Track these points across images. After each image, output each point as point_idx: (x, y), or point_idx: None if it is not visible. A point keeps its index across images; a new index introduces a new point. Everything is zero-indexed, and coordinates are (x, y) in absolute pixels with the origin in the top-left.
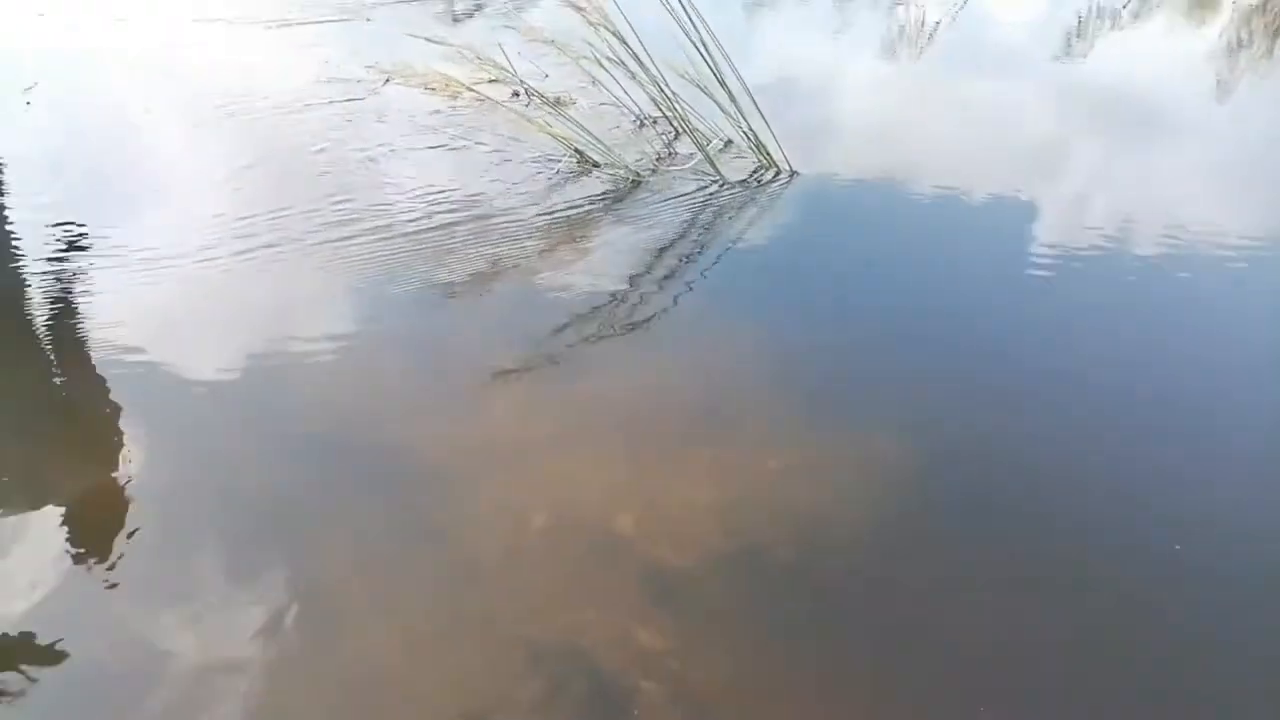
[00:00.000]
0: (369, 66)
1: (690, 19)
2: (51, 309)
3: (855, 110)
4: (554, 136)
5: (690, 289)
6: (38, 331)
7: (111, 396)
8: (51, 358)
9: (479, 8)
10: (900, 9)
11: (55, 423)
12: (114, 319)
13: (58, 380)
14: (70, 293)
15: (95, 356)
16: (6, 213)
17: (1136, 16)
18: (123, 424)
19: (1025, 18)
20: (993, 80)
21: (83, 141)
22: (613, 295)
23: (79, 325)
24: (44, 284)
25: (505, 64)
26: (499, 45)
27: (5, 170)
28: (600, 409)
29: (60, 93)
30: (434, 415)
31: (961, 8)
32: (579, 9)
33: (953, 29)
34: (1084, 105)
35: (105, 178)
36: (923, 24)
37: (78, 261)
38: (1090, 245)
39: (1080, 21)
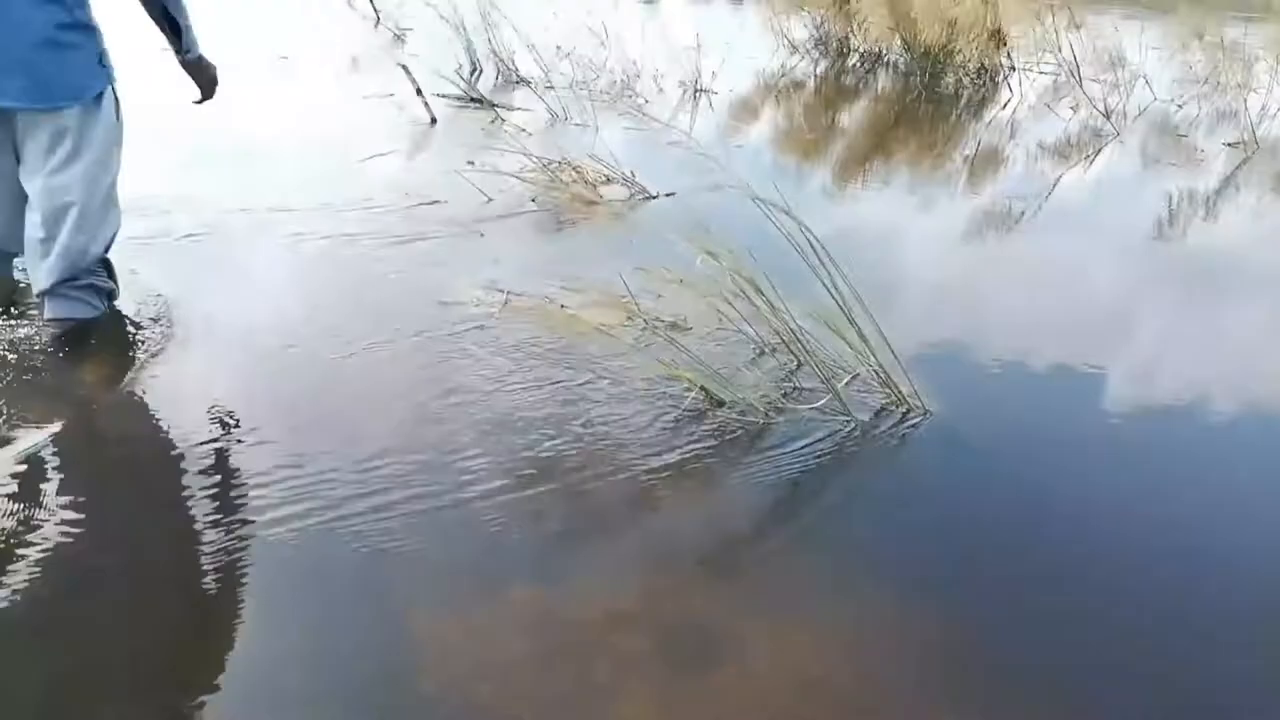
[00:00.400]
0: (485, 289)
1: (813, 247)
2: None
3: (981, 332)
4: (678, 376)
5: (827, 553)
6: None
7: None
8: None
9: (583, 221)
10: (980, 200)
11: None
12: (216, 578)
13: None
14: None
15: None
16: None
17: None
18: None
19: (1116, 206)
20: (1118, 284)
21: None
22: (744, 559)
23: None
24: None
25: (623, 288)
26: (619, 274)
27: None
28: (745, 706)
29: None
30: (557, 714)
31: (1045, 199)
32: (712, 256)
33: (1041, 221)
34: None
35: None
36: (1009, 213)
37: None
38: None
39: (1172, 210)
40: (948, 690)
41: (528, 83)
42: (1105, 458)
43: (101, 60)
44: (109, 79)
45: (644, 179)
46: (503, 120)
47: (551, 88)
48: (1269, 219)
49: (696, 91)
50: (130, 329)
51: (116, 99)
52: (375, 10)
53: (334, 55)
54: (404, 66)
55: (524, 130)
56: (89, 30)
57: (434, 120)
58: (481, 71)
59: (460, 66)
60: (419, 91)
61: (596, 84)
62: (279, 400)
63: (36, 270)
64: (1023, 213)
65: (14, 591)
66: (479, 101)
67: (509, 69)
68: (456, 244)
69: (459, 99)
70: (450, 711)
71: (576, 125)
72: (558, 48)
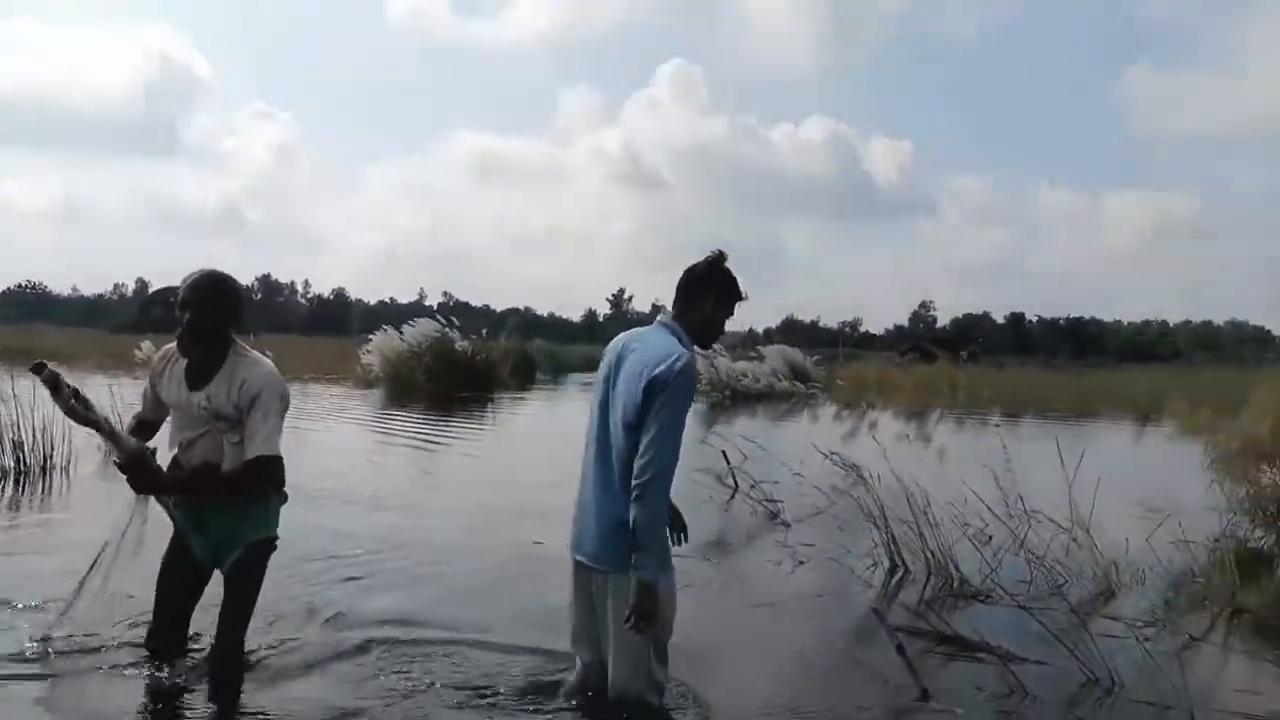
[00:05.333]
0: None
1: None
2: None
3: None
4: None
5: None
6: None
7: None
8: None
9: None
10: None
11: None
12: None
13: None
14: None
15: None
16: None
17: None
18: None
19: None
20: None
21: None
22: None
23: None
24: None
25: None
26: None
27: None
28: None
29: None
30: None
31: None
32: None
33: None
34: None
35: None
36: None
37: None
38: None
39: None
40: None
41: (981, 597)
42: None
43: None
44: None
45: None
46: (1022, 689)
47: (1028, 609)
48: None
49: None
50: None
51: None
52: (735, 480)
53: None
54: (876, 610)
55: None
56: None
57: (925, 694)
58: (907, 573)
59: (874, 565)
60: (900, 648)
61: (1069, 591)
62: None
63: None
64: None
65: None
66: (960, 644)
67: (946, 568)
68: None
69: (917, 633)
70: None
71: (1143, 705)
72: (974, 530)
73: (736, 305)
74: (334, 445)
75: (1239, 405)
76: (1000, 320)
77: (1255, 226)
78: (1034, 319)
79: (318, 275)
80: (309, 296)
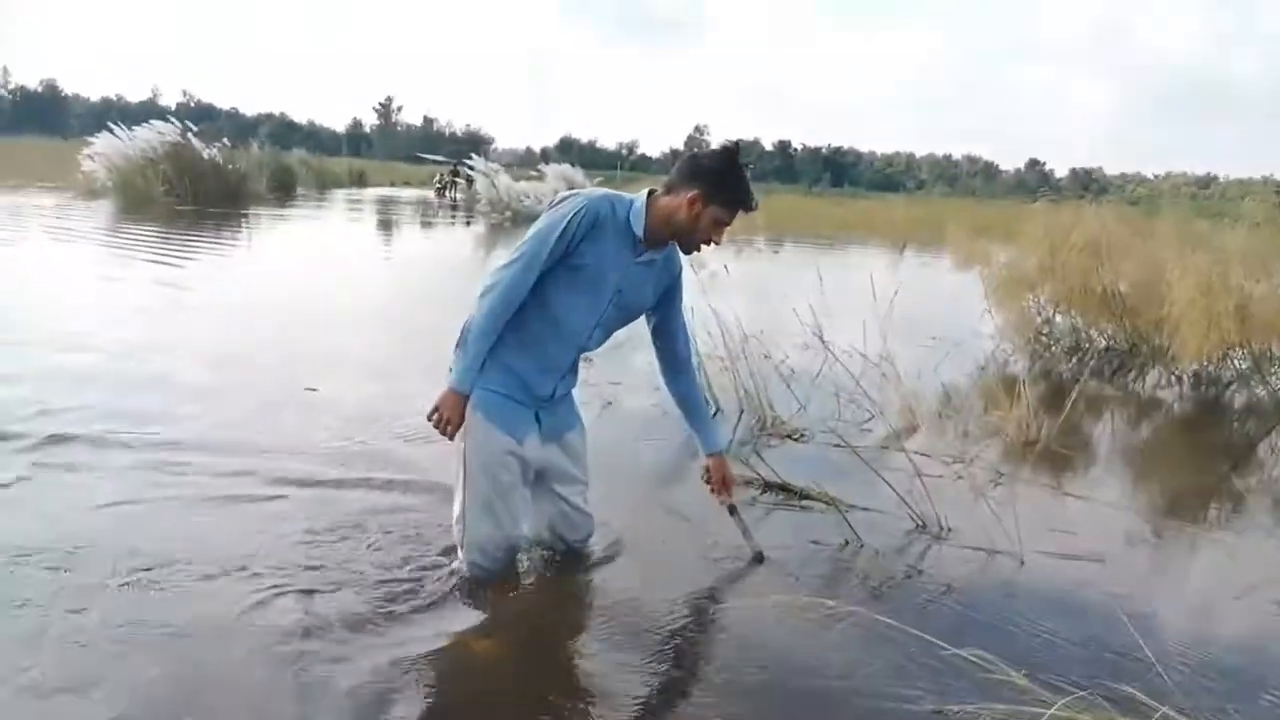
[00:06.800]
0: None
1: None
2: None
3: None
4: None
5: None
6: None
7: None
8: None
9: None
10: None
11: None
12: None
13: None
14: None
15: None
16: None
17: None
18: None
19: None
20: None
21: None
22: None
23: None
24: None
25: None
26: None
27: None
28: None
29: None
30: None
31: None
32: None
33: None
34: None
35: None
36: None
37: None
38: None
39: None
40: None
41: (795, 435)
42: None
43: None
44: None
45: None
46: (857, 539)
47: (843, 444)
48: None
49: (1031, 445)
50: None
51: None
52: None
53: None
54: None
55: (940, 577)
56: None
57: (761, 556)
58: (719, 411)
59: None
60: (733, 510)
61: (871, 428)
62: None
63: None
64: None
65: None
66: (785, 490)
67: (760, 406)
68: None
69: (745, 482)
70: None
71: (972, 551)
72: (776, 362)
73: (727, 211)
74: (53, 267)
75: (1007, 236)
76: (769, 147)
77: (992, 66)
78: (799, 147)
79: (21, 62)
80: (10, 88)
